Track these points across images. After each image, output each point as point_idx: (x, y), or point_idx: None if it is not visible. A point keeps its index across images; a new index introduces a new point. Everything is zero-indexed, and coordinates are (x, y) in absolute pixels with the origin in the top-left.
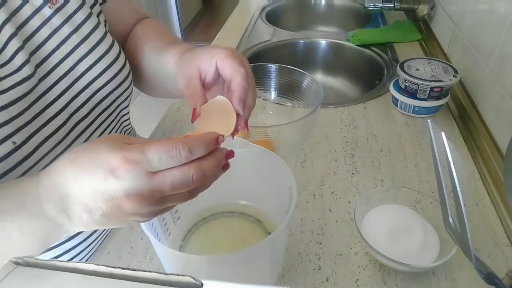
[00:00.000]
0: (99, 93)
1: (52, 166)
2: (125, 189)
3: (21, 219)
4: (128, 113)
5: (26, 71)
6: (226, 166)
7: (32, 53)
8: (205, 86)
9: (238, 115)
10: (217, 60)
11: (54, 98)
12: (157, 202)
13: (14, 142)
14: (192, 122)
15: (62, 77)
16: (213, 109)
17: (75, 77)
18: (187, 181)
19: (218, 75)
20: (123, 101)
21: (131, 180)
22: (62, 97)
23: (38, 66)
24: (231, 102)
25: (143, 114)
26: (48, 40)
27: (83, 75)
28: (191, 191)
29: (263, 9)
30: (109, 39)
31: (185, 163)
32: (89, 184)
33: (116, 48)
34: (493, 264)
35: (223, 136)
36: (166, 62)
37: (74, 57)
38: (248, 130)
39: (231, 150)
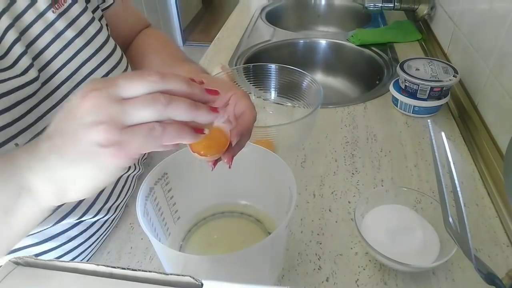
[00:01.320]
0: None
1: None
2: (94, 119)
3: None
4: None
5: (30, 75)
6: (215, 110)
7: (35, 57)
8: None
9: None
10: (233, 95)
11: (57, 102)
12: (131, 134)
13: (16, 144)
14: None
15: (65, 80)
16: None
17: (78, 81)
18: (155, 101)
19: (224, 106)
20: None
21: (98, 103)
22: (65, 101)
23: (41, 70)
24: (230, 132)
25: None
26: (51, 45)
27: (86, 78)
28: (161, 124)
29: (263, 9)
30: (111, 43)
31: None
32: (64, 125)
33: (118, 52)
34: (493, 264)
35: (202, 81)
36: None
37: (77, 60)
38: (230, 167)
39: (215, 90)
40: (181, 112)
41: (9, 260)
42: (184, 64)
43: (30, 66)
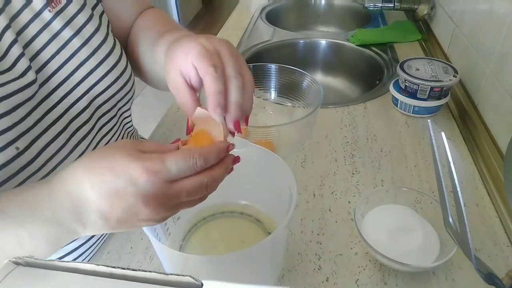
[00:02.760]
0: (100, 97)
1: (65, 172)
2: (143, 196)
3: (32, 225)
4: (130, 115)
5: (28, 77)
6: (231, 170)
7: (32, 59)
8: (194, 88)
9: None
10: (192, 59)
11: (55, 104)
12: (172, 207)
13: (17, 148)
14: (187, 135)
15: (62, 82)
16: (205, 115)
17: (75, 82)
18: (201, 188)
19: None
20: (125, 104)
21: (150, 189)
22: (63, 102)
23: (38, 71)
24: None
25: (144, 114)
26: (48, 45)
27: (84, 79)
28: (202, 196)
29: (263, 9)
30: (110, 41)
31: (199, 172)
32: (107, 193)
33: (117, 51)
34: (493, 264)
35: (233, 145)
36: (158, 56)
37: (74, 61)
38: (241, 132)
39: (237, 156)
40: (216, 186)
41: (9, 260)
42: (166, 36)
43: (28, 68)
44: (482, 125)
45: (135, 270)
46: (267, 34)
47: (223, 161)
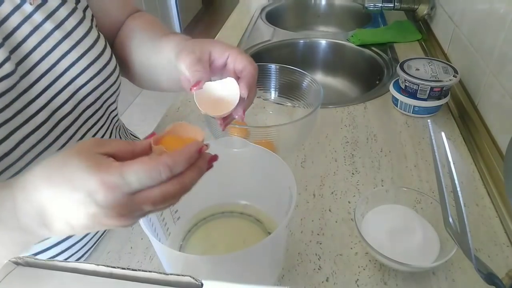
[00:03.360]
0: (82, 89)
1: (25, 180)
2: (104, 208)
3: None
4: (116, 108)
5: (6, 69)
6: (209, 168)
7: (12, 51)
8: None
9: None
10: (230, 53)
11: (36, 95)
12: (137, 216)
13: None
14: (191, 90)
15: (44, 74)
16: (217, 87)
17: (57, 74)
18: (168, 198)
19: (223, 67)
20: (110, 97)
21: (110, 202)
22: (44, 94)
23: (19, 63)
24: (239, 85)
25: (143, 114)
26: (29, 37)
27: (66, 71)
28: (173, 202)
29: (263, 9)
30: (94, 34)
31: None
32: (68, 206)
33: (101, 43)
34: (493, 264)
35: (207, 145)
36: (163, 49)
37: (56, 53)
38: (244, 119)
39: (214, 155)
40: (187, 190)
41: (9, 260)
42: (177, 35)
43: (6, 59)
44: (482, 125)
45: (135, 270)
46: (267, 34)
47: (194, 164)
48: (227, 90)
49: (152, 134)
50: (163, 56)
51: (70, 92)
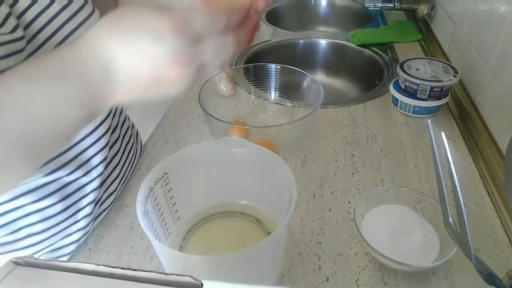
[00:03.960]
0: None
1: (90, 34)
2: (171, 55)
3: (63, 88)
4: None
5: (17, 34)
6: (256, 28)
7: (18, 17)
8: None
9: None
10: None
11: None
12: (198, 68)
13: None
14: None
15: (46, 40)
16: None
17: (57, 41)
18: (225, 48)
19: None
20: None
21: (176, 46)
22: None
23: (25, 28)
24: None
25: (144, 114)
26: (30, 8)
27: (65, 39)
28: (227, 53)
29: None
30: (89, 7)
31: (224, 32)
32: (135, 50)
33: (96, 15)
34: (493, 264)
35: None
36: None
37: (54, 24)
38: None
39: (257, 22)
40: (240, 45)
41: (9, 260)
42: None
43: (17, 26)
44: (482, 125)
45: (135, 270)
46: (267, 34)
47: (245, 23)
48: None
49: None
50: None
51: None
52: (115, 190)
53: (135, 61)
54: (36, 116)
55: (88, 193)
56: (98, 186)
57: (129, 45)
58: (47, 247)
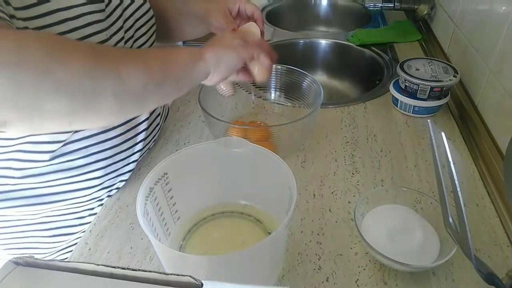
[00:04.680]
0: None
1: (202, 47)
2: (242, 46)
3: (186, 55)
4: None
5: (100, 6)
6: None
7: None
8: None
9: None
10: (240, 3)
11: (116, 31)
12: (250, 52)
13: (106, 34)
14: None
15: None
16: (244, 29)
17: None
18: (260, 50)
19: (237, 14)
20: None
21: (243, 43)
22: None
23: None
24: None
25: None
26: None
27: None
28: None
29: (263, 9)
30: None
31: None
32: (219, 47)
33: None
34: (493, 264)
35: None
36: (193, 10)
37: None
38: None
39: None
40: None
41: (9, 260)
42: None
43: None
44: (482, 125)
45: (135, 270)
46: (267, 34)
47: (262, 47)
48: (250, 29)
49: (234, 29)
50: (192, 12)
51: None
52: (156, 134)
53: (218, 49)
54: (172, 66)
55: (141, 131)
56: (147, 127)
57: (218, 45)
58: (112, 172)
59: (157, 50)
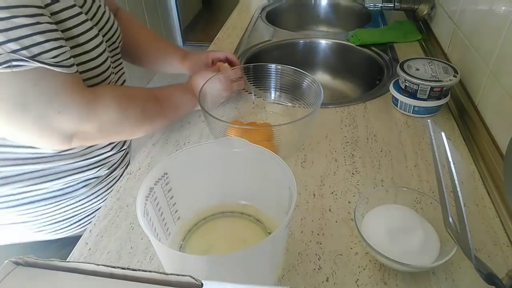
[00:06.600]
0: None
1: (190, 80)
2: (223, 84)
3: (185, 95)
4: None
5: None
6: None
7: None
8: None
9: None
10: (211, 55)
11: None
12: (229, 89)
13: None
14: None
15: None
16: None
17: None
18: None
19: (210, 64)
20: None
21: (223, 79)
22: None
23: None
24: (233, 63)
25: None
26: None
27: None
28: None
29: (263, 9)
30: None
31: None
32: (203, 80)
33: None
34: (493, 264)
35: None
36: (172, 61)
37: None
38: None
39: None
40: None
41: (9, 260)
42: (176, 50)
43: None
44: (482, 125)
45: (135, 270)
46: (267, 34)
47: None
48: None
49: (214, 64)
50: (174, 65)
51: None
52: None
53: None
54: (178, 104)
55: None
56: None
57: (200, 81)
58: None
59: (172, 98)
